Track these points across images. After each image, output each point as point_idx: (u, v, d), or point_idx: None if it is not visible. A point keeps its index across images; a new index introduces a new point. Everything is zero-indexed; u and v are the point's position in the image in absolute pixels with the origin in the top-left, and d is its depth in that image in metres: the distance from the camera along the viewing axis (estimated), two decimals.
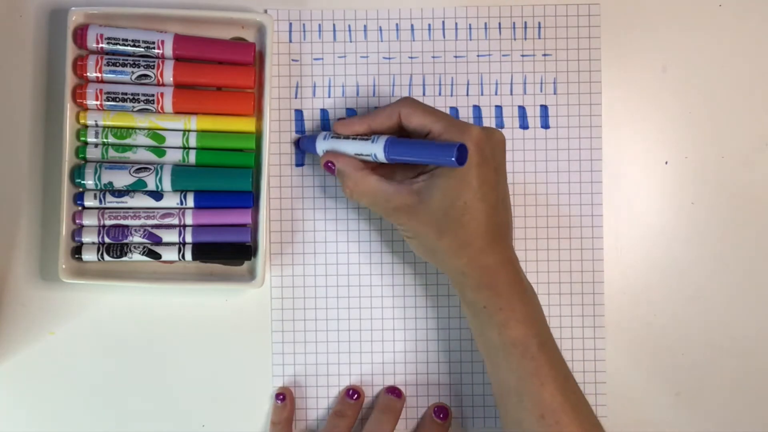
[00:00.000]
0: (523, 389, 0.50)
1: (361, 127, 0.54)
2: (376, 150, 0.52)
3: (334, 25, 0.59)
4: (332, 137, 0.54)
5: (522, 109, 0.59)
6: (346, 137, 0.54)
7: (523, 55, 0.59)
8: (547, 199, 0.59)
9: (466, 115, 0.59)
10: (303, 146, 0.58)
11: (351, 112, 0.59)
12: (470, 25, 0.59)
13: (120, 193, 0.56)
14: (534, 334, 0.50)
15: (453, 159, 0.48)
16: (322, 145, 0.55)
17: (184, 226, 0.56)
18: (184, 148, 0.57)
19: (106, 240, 0.56)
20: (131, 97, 0.56)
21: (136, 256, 0.56)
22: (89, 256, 0.56)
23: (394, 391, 0.58)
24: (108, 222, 0.56)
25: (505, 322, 0.50)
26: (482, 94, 0.59)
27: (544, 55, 0.59)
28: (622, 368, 0.59)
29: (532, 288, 0.52)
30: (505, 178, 0.53)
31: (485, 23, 0.59)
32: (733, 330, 0.59)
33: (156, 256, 0.56)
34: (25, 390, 0.59)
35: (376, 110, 0.54)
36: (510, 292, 0.50)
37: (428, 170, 0.52)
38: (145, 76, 0.56)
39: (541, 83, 0.59)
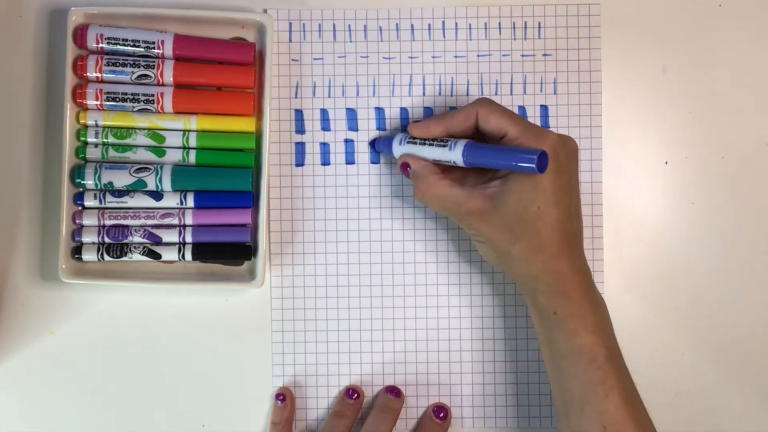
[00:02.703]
0: (586, 398, 0.49)
1: (437, 129, 0.53)
2: (454, 157, 0.51)
3: (334, 25, 0.59)
4: (409, 141, 0.54)
5: (522, 109, 0.59)
6: (423, 142, 0.53)
7: (523, 55, 0.59)
8: None
9: None
10: (378, 147, 0.58)
11: (351, 113, 0.59)
12: (470, 25, 0.59)
13: (120, 193, 0.56)
14: (603, 344, 0.50)
15: (533, 165, 0.48)
16: (399, 149, 0.55)
17: (184, 226, 0.56)
18: (184, 148, 0.57)
19: (106, 240, 0.56)
20: (131, 97, 0.56)
21: (136, 256, 0.56)
22: (89, 256, 0.56)
23: (393, 391, 0.58)
24: (108, 222, 0.56)
25: (574, 329, 0.50)
26: (482, 94, 0.59)
27: (544, 55, 0.59)
28: None
29: (603, 299, 0.52)
30: (578, 187, 0.52)
31: (485, 23, 0.59)
32: (733, 330, 0.59)
33: (156, 256, 0.56)
34: (25, 390, 0.58)
35: (452, 111, 0.53)
36: (581, 299, 0.50)
37: (501, 175, 0.51)
38: (145, 76, 0.56)
39: (541, 83, 0.59)
